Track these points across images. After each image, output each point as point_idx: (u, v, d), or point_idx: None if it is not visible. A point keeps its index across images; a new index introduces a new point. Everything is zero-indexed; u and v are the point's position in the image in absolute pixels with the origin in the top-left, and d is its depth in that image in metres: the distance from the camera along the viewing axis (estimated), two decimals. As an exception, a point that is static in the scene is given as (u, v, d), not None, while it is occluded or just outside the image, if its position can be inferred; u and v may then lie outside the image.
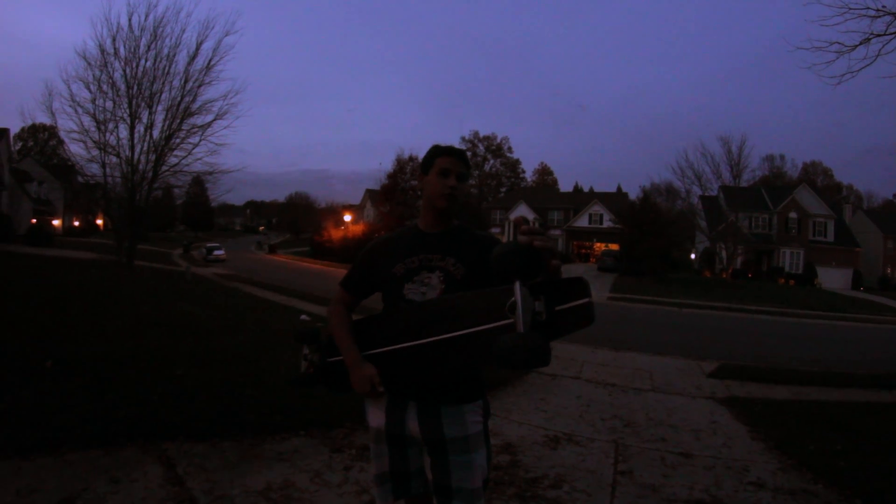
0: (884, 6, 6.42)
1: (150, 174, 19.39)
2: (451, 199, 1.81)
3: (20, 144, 61.09)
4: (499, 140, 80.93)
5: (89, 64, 18.35)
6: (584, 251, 53.01)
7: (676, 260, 43.75)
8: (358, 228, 45.94)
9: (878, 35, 6.51)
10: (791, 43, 7.22)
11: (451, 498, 1.69)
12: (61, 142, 33.63)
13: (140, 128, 19.06)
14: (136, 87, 18.80)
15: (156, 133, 19.27)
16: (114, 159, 19.00)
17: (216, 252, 38.70)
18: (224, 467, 3.22)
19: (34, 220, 39.24)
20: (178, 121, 19.39)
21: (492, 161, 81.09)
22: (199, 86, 19.54)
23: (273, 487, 3.01)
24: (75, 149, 19.76)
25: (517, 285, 1.45)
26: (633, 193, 61.70)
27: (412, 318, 1.74)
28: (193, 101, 19.57)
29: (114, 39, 18.47)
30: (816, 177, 71.02)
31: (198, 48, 19.35)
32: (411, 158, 44.98)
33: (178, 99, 19.35)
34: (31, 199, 42.21)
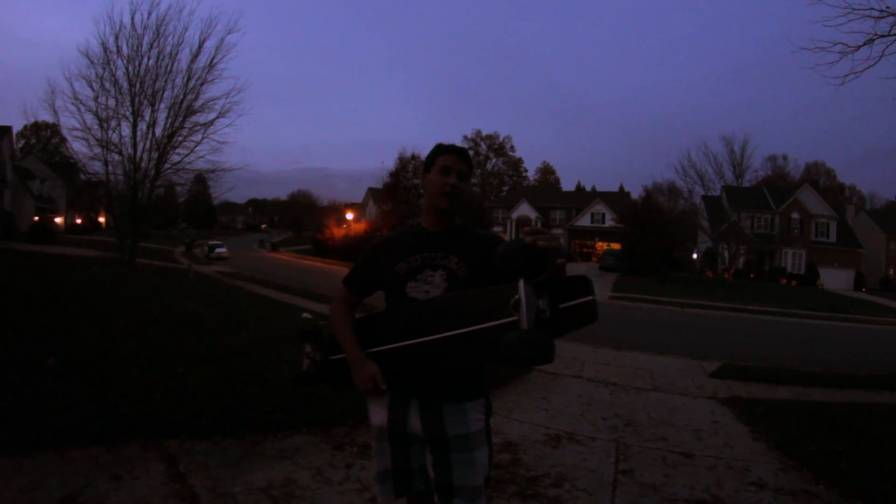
0: (888, 7, 6.40)
1: (153, 172, 19.43)
2: (451, 198, 1.81)
3: (23, 142, 61.17)
4: (501, 139, 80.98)
5: (92, 62, 18.43)
6: (585, 250, 52.95)
7: (678, 260, 43.71)
8: (360, 227, 45.98)
9: (882, 36, 6.50)
10: (794, 43, 7.19)
11: (452, 496, 1.70)
12: (64, 139, 33.89)
13: (142, 125, 19.14)
14: (138, 85, 18.85)
15: (158, 131, 19.34)
16: (116, 157, 19.07)
17: (218, 250, 38.76)
18: (226, 465, 3.22)
19: (37, 218, 39.39)
20: (181, 119, 19.43)
21: (494, 160, 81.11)
22: (202, 84, 19.60)
23: (275, 485, 3.01)
24: (78, 146, 19.80)
25: (521, 283, 1.45)
26: (636, 193, 61.80)
27: (415, 316, 1.74)
28: (196, 99, 19.63)
29: (116, 37, 18.53)
30: (819, 177, 70.83)
31: (200, 46, 19.41)
32: (413, 157, 45.08)
33: (181, 97, 19.42)
34: (34, 196, 42.30)
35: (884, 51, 6.51)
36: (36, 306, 7.60)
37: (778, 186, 51.23)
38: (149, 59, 18.93)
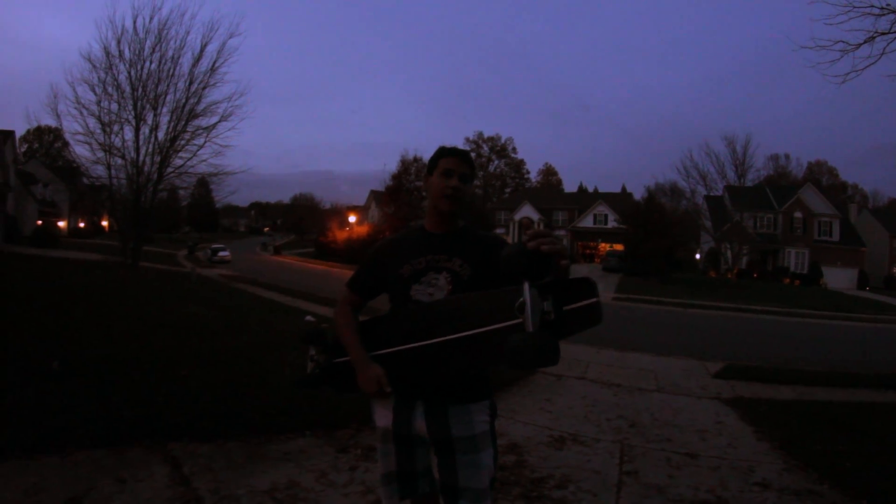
0: (888, 4, 6.39)
1: (155, 176, 19.47)
2: (453, 200, 1.81)
3: (26, 146, 61.50)
4: (503, 141, 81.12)
5: (94, 66, 18.45)
6: (588, 251, 52.91)
7: (681, 260, 43.63)
8: (362, 229, 45.96)
9: (883, 33, 6.48)
10: (795, 42, 7.17)
11: (457, 498, 1.70)
12: (66, 144, 34.05)
13: (145, 129, 19.17)
14: (140, 90, 18.90)
15: (161, 135, 19.38)
16: (119, 161, 19.09)
17: (221, 253, 38.77)
18: (230, 467, 3.23)
19: (40, 222, 39.48)
20: (183, 122, 19.48)
21: (496, 162, 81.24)
22: (204, 88, 19.65)
23: (278, 487, 3.02)
24: (80, 151, 19.80)
25: (526, 285, 1.45)
26: (638, 194, 61.85)
27: (420, 318, 1.75)
28: (198, 102, 19.68)
29: (118, 42, 18.58)
30: (821, 176, 70.65)
31: (202, 50, 19.45)
32: (416, 159, 45.08)
33: (183, 101, 19.46)
34: (37, 200, 42.41)
35: (885, 48, 6.50)
36: (39, 310, 7.63)
37: (780, 186, 51.12)
38: (151, 62, 19.01)
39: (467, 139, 78.75)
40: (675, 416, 5.29)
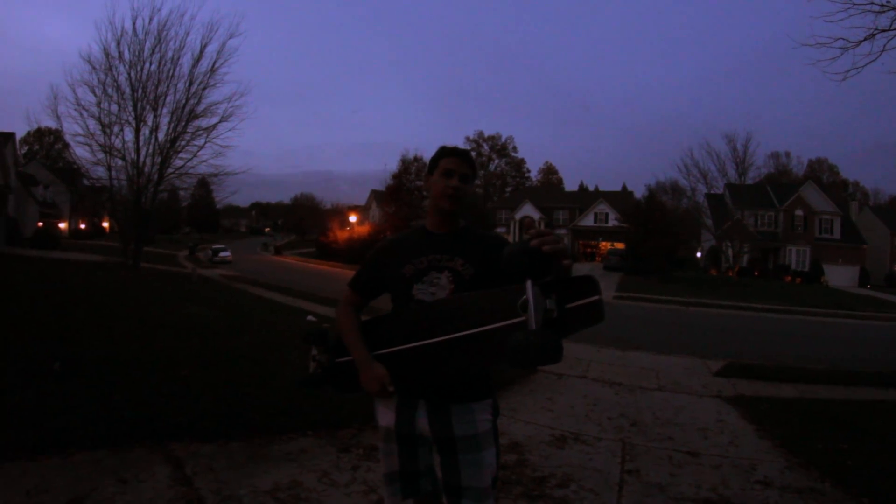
0: (888, 1, 6.39)
1: (156, 177, 19.45)
2: (454, 200, 1.81)
3: (26, 148, 61.47)
4: (503, 140, 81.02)
5: (94, 68, 18.44)
6: (589, 250, 52.90)
7: (682, 258, 43.64)
8: (363, 229, 45.95)
9: (883, 30, 6.48)
10: (795, 40, 7.15)
11: (460, 496, 1.70)
12: (67, 145, 34.06)
13: (145, 131, 19.15)
14: (140, 91, 18.89)
15: (161, 136, 19.36)
16: (119, 162, 19.08)
17: (222, 254, 38.81)
18: (231, 467, 3.23)
19: (40, 223, 39.51)
20: (183, 123, 19.45)
21: (497, 161, 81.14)
22: (204, 88, 19.61)
23: (281, 487, 3.02)
24: (81, 152, 19.80)
25: (529, 283, 1.45)
26: (639, 192, 61.80)
27: (422, 318, 1.75)
28: (198, 103, 19.65)
29: (118, 43, 18.55)
30: (822, 174, 70.59)
31: (202, 51, 19.41)
32: (416, 159, 45.06)
33: (183, 102, 19.43)
34: (38, 202, 42.43)
35: (885, 45, 6.49)
36: (40, 310, 7.64)
37: (781, 184, 51.04)
38: (151, 64, 18.98)
39: (468, 138, 78.83)
40: (676, 415, 5.29)
